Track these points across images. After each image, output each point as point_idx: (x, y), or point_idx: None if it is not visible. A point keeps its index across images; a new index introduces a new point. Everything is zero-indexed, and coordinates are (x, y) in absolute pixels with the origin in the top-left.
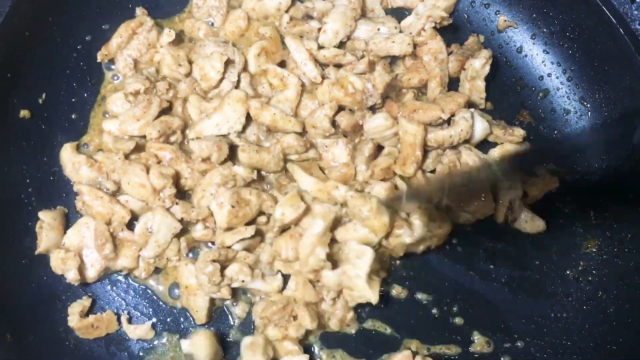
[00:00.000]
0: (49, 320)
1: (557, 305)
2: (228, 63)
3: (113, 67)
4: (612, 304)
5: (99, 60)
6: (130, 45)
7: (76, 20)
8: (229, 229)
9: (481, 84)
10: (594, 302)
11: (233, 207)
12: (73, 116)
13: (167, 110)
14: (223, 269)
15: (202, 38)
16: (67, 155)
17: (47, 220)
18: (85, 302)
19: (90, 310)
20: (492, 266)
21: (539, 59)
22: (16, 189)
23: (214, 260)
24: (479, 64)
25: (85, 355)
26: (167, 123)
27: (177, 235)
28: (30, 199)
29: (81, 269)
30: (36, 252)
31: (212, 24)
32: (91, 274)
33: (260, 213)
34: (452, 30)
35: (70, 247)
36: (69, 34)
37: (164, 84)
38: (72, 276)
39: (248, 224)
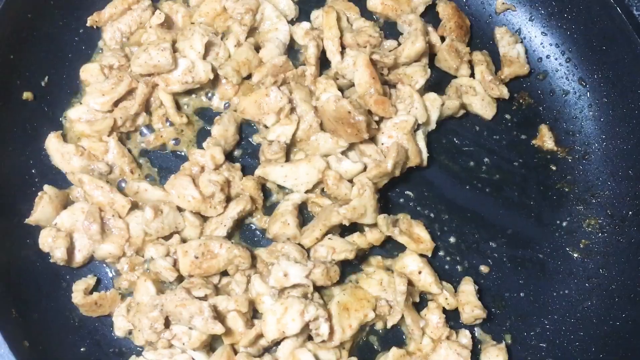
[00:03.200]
0: (53, 299)
1: (560, 283)
2: (210, 46)
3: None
4: (614, 281)
5: (88, 24)
6: (122, 19)
7: (79, 3)
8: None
9: None
10: (597, 280)
11: (197, 257)
12: (75, 99)
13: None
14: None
15: (179, 22)
16: (54, 145)
17: (50, 193)
18: (90, 280)
19: (95, 289)
20: (494, 245)
21: (537, 40)
22: (20, 171)
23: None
24: None
25: (89, 334)
26: (125, 109)
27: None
28: (34, 180)
29: (69, 251)
30: (25, 221)
31: (188, 5)
32: (78, 258)
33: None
34: None
35: (62, 228)
36: (71, 16)
37: None
38: (59, 255)
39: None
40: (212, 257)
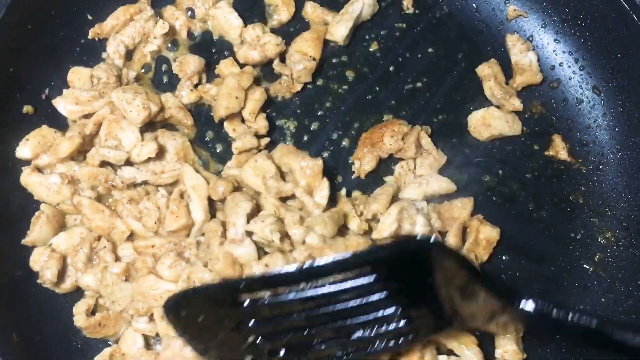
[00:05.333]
0: (56, 321)
1: (575, 298)
2: None
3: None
4: (630, 297)
5: (90, 37)
6: (125, 30)
7: (79, 14)
8: None
9: None
10: (612, 295)
11: None
12: None
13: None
14: None
15: (178, 29)
16: (34, 180)
17: (47, 212)
18: (90, 300)
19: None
20: (506, 259)
21: (550, 48)
22: (19, 188)
23: None
24: None
25: (93, 356)
26: (83, 125)
27: None
28: (32, 198)
29: (59, 274)
30: (22, 241)
31: (190, 15)
32: (66, 283)
33: None
34: (459, 23)
35: (57, 249)
36: (73, 27)
37: None
38: (48, 276)
39: None
40: None
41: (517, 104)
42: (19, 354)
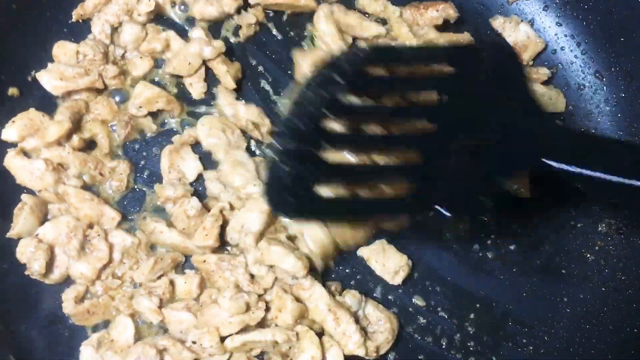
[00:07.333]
0: (41, 309)
1: (575, 287)
2: None
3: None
4: (631, 285)
5: (74, 19)
6: (108, 9)
7: None
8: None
9: None
10: (613, 284)
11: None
12: None
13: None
14: None
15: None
16: (18, 163)
17: (30, 203)
18: (80, 287)
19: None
20: (503, 249)
21: (551, 31)
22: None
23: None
24: None
25: (80, 344)
26: (77, 106)
27: None
28: (16, 183)
29: (47, 265)
30: (7, 235)
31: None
32: (55, 274)
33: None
34: (458, 5)
35: (43, 240)
36: (59, 7)
37: (114, 68)
38: (37, 268)
39: None
40: None
41: (546, 71)
42: (3, 343)
